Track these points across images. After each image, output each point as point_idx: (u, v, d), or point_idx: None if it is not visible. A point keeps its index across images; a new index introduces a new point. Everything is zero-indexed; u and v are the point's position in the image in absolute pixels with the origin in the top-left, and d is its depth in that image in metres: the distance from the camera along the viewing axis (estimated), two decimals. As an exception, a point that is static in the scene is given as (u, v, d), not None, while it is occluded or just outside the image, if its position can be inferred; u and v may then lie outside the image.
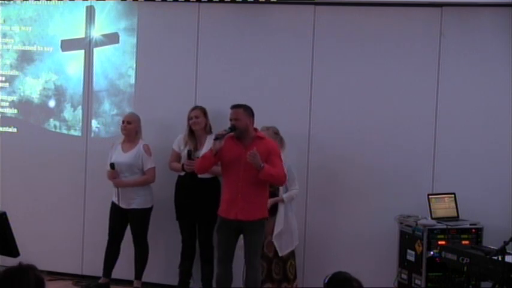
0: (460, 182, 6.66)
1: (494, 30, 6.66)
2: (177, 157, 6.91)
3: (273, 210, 6.45)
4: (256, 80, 7.09)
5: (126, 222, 6.94)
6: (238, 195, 5.93)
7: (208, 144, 6.57)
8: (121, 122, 7.04)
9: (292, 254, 6.57)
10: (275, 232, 6.45)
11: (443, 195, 6.60)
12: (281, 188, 6.49)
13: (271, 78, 7.06)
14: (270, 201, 6.35)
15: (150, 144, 6.96)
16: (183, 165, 6.75)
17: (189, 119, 6.84)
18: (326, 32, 6.96)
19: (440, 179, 6.73)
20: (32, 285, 3.03)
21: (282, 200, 6.49)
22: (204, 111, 6.85)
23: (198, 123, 6.80)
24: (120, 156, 6.88)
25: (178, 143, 6.93)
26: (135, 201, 6.85)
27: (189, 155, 6.71)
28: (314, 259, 6.94)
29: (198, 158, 6.52)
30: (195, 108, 6.89)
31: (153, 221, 7.05)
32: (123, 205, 6.84)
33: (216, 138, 5.98)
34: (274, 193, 6.44)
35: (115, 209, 6.92)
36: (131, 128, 6.92)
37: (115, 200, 6.90)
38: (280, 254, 6.48)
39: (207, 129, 6.87)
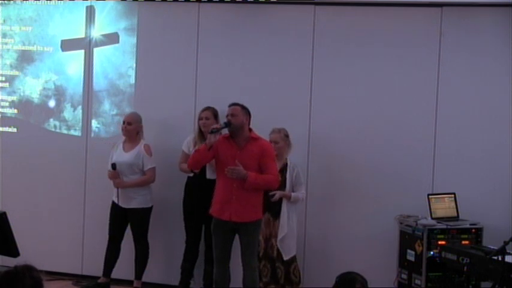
0: (460, 182, 6.66)
1: (494, 30, 6.65)
2: (187, 158, 6.75)
3: (276, 210, 6.42)
4: (256, 80, 7.08)
5: (126, 221, 6.93)
6: (232, 196, 5.88)
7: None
8: (122, 122, 7.01)
9: (294, 256, 6.51)
10: (279, 237, 6.40)
11: (443, 195, 6.60)
12: (288, 187, 6.43)
13: (271, 78, 7.06)
14: (279, 193, 6.32)
15: (150, 144, 6.94)
16: None
17: (199, 119, 6.79)
18: (326, 32, 6.96)
19: (440, 179, 6.73)
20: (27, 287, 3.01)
21: (289, 197, 6.41)
22: (215, 113, 6.76)
23: (207, 125, 6.63)
24: (121, 156, 6.86)
25: (188, 144, 6.84)
26: (135, 200, 6.83)
27: None
28: (314, 259, 6.94)
29: None
30: (207, 109, 6.79)
31: (155, 221, 7.04)
32: (123, 204, 6.82)
33: (211, 132, 5.93)
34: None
35: (115, 208, 6.91)
36: (131, 129, 6.89)
37: (115, 199, 6.90)
38: (285, 258, 6.42)
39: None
